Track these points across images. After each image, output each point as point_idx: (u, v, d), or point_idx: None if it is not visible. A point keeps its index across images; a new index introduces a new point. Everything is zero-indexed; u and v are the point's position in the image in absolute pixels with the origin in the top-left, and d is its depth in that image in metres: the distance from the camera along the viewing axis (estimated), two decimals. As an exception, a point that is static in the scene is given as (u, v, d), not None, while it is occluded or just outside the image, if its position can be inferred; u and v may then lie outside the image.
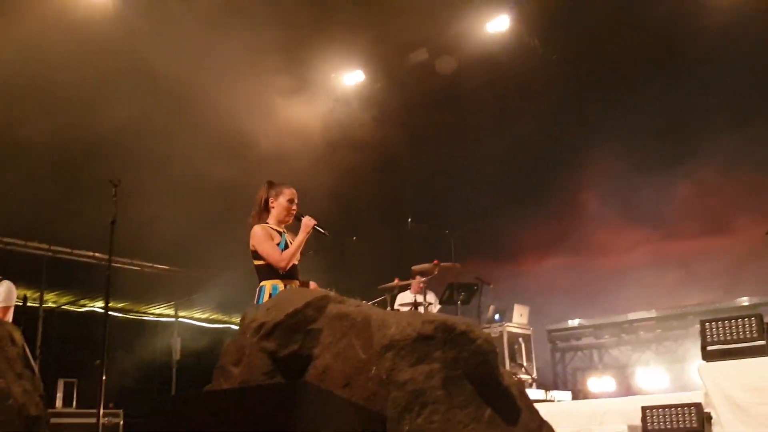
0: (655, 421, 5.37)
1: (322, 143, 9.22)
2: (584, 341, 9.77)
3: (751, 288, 8.49)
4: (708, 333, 6.02)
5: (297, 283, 4.79)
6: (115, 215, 5.56)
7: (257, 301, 4.70)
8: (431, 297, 8.40)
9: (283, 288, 4.67)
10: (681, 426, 5.32)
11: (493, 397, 2.81)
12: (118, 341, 9.72)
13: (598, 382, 8.53)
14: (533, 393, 7.36)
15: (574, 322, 9.83)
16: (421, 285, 7.90)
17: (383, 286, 7.82)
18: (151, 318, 11.52)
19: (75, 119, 7.58)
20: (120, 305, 10.98)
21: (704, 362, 5.69)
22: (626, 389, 8.29)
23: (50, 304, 10.23)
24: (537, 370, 8.49)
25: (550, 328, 9.98)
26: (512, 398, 2.89)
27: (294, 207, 4.92)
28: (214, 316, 11.87)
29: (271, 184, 4.96)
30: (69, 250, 9.35)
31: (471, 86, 10.58)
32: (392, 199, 11.57)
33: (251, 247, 4.70)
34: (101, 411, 5.29)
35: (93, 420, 5.55)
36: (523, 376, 7.81)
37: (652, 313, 9.15)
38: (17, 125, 7.33)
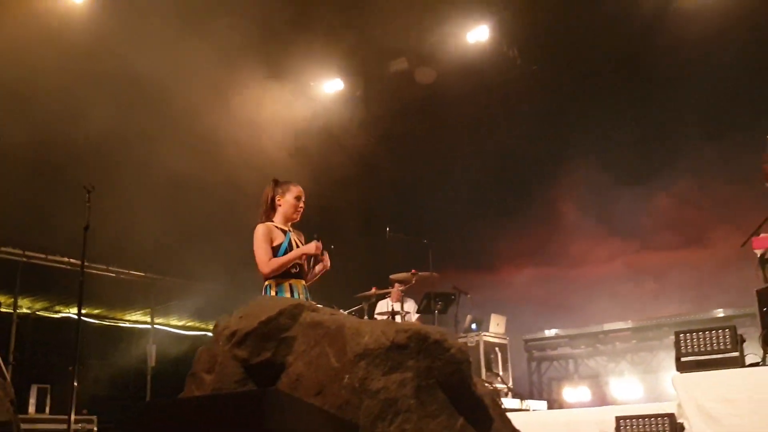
0: (629, 431, 5.41)
1: (300, 151, 9.21)
2: (560, 351, 9.81)
3: (726, 300, 8.57)
4: (682, 344, 6.07)
5: (303, 283, 4.78)
6: (88, 221, 5.51)
7: None
8: (410, 305, 8.41)
9: (288, 288, 4.66)
10: (654, 436, 5.36)
11: (466, 406, 2.81)
12: (93, 348, 9.63)
13: (573, 392, 8.55)
14: (509, 402, 7.37)
15: (550, 332, 9.87)
16: (400, 292, 7.92)
17: (361, 294, 7.82)
18: (127, 325, 11.42)
19: (51, 124, 7.52)
20: (95, 312, 10.87)
21: (678, 373, 5.74)
22: (601, 399, 8.32)
23: (24, 310, 10.11)
24: (513, 379, 8.51)
25: (527, 337, 10.02)
26: (485, 407, 2.90)
27: (301, 204, 4.90)
28: (190, 323, 11.79)
29: (276, 182, 4.93)
30: (44, 256, 9.24)
31: (451, 96, 10.64)
32: (370, 207, 11.59)
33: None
34: (72, 417, 5.24)
35: (65, 426, 5.49)
36: (499, 386, 7.83)
37: (628, 324, 9.20)
38: (-8, 130, 7.26)
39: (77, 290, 5.69)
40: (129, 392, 10.15)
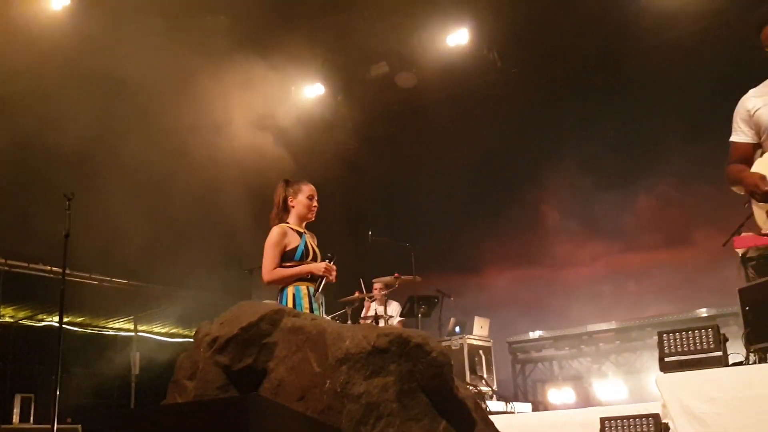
0: (613, 432, 5.42)
1: (281, 156, 9.19)
2: (544, 353, 9.82)
3: (709, 299, 8.62)
4: (665, 344, 6.09)
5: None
6: (68, 229, 5.48)
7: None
8: (394, 309, 8.42)
9: (306, 292, 4.61)
10: (639, 437, 5.38)
11: (448, 409, 2.81)
12: (76, 356, 9.56)
13: (557, 394, 8.58)
14: (494, 405, 7.38)
15: (534, 334, 9.88)
16: (383, 295, 7.94)
17: (344, 299, 7.82)
18: (110, 332, 11.34)
19: (32, 130, 7.46)
20: (78, 320, 10.79)
21: (662, 373, 5.76)
22: (586, 400, 8.36)
23: (7, 319, 10.01)
24: (498, 382, 8.51)
25: (511, 340, 10.03)
26: (467, 410, 2.90)
27: (314, 203, 4.84)
28: (174, 330, 11.73)
29: (287, 182, 4.88)
30: (26, 264, 9.17)
31: (432, 99, 10.67)
32: (353, 212, 11.58)
33: None
34: (55, 426, 5.20)
35: (48, 435, 5.46)
36: (484, 389, 7.83)
37: (612, 325, 9.24)
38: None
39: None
40: (113, 400, 10.09)
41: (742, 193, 4.02)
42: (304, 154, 9.52)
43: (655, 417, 5.45)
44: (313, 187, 4.91)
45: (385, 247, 8.60)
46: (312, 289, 4.64)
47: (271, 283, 4.61)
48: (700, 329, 5.90)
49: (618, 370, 8.86)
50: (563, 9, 9.22)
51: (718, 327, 6.02)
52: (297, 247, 4.64)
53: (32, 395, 7.84)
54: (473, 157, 10.88)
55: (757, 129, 3.70)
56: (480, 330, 8.54)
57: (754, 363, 5.90)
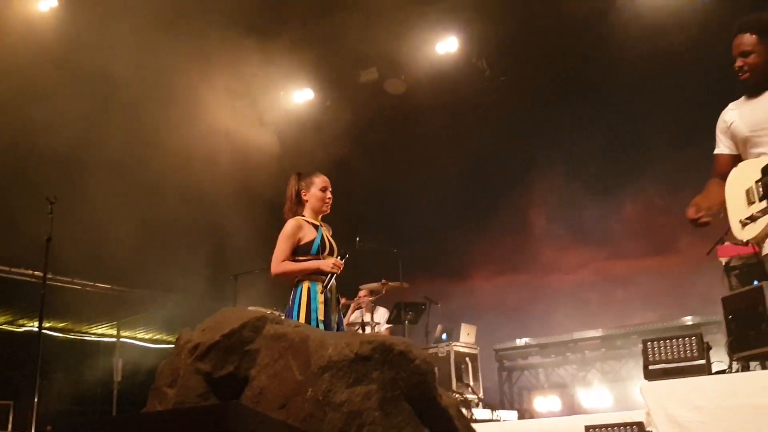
0: (598, 439, 5.43)
1: (270, 161, 9.15)
2: (531, 360, 9.79)
3: (694, 308, 8.64)
4: (650, 352, 6.12)
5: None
6: (50, 233, 5.42)
7: (294, 301, 4.52)
8: (381, 315, 8.38)
9: (320, 289, 4.54)
10: (623, 445, 5.39)
11: (431, 417, 2.78)
12: (57, 362, 9.47)
13: (543, 401, 8.56)
14: (480, 413, 7.36)
15: (521, 341, 9.85)
16: (369, 302, 7.90)
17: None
18: (93, 338, 11.24)
19: (18, 132, 7.40)
20: (60, 325, 10.70)
21: (646, 381, 5.77)
22: (571, 408, 8.34)
23: (-13, 324, 9.93)
24: (484, 389, 8.49)
25: (498, 347, 10.01)
26: (450, 418, 2.87)
27: (329, 195, 4.76)
28: (158, 336, 11.65)
29: (300, 176, 4.79)
30: (7, 269, 9.09)
31: (421, 106, 10.67)
32: (341, 217, 11.53)
33: None
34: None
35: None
36: (470, 396, 7.81)
37: (598, 332, 9.23)
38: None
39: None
40: (95, 407, 9.99)
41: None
42: (293, 159, 9.49)
43: (640, 425, 5.46)
44: (326, 179, 4.82)
45: (373, 252, 8.57)
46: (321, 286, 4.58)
47: (278, 275, 4.52)
48: (684, 338, 5.94)
49: (603, 377, 8.85)
50: (551, 17, 9.26)
51: (701, 335, 6.06)
52: (313, 241, 4.56)
53: (11, 402, 7.73)
54: (463, 164, 10.89)
55: (735, 141, 3.73)
56: (467, 337, 8.53)
57: (737, 371, 5.93)
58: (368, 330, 7.53)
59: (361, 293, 8.07)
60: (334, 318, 4.68)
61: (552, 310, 9.91)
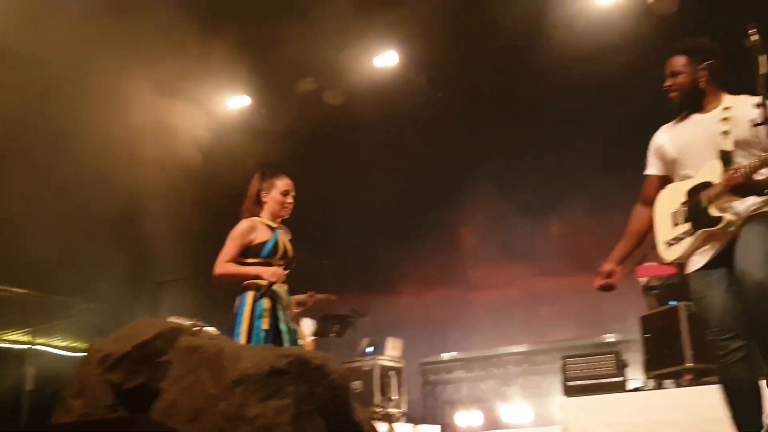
0: (517, 455, 5.50)
1: (201, 167, 9.00)
2: (455, 375, 9.84)
3: (614, 325, 8.86)
4: (569, 369, 6.27)
5: (285, 287, 4.49)
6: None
7: (238, 308, 4.33)
8: (308, 327, 8.32)
9: (270, 302, 4.35)
10: (540, 460, 5.48)
11: (346, 431, 2.78)
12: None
13: (466, 416, 8.64)
14: (402, 427, 7.38)
15: (446, 356, 9.92)
16: (296, 314, 7.81)
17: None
18: (3, 345, 10.78)
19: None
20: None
21: (565, 397, 5.90)
22: (493, 423, 8.44)
23: None
24: (409, 403, 8.51)
25: (423, 361, 10.04)
26: (364, 434, 2.87)
27: (289, 199, 4.58)
28: (76, 344, 11.26)
29: (263, 176, 4.62)
30: None
31: (359, 118, 10.67)
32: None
33: None
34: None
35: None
36: (393, 410, 7.82)
37: (521, 348, 9.37)
38: None
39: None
40: (1, 419, 9.55)
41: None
42: (226, 166, 9.34)
43: (557, 441, 5.58)
44: (289, 182, 4.67)
45: (303, 264, 8.49)
46: (277, 291, 4.41)
47: (218, 276, 4.32)
48: (601, 355, 6.11)
49: (525, 393, 8.96)
50: (490, 39, 9.38)
51: (619, 353, 6.25)
52: (265, 243, 4.41)
53: None
54: (398, 178, 10.93)
55: (664, 162, 3.88)
56: (393, 351, 8.55)
57: (652, 389, 6.13)
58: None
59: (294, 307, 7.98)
60: (285, 328, 4.43)
61: (478, 325, 10.02)
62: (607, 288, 4.09)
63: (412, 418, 8.15)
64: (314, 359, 2.78)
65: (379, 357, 8.23)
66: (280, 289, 4.47)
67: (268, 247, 4.42)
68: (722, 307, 3.54)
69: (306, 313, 8.17)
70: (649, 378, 6.29)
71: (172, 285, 8.09)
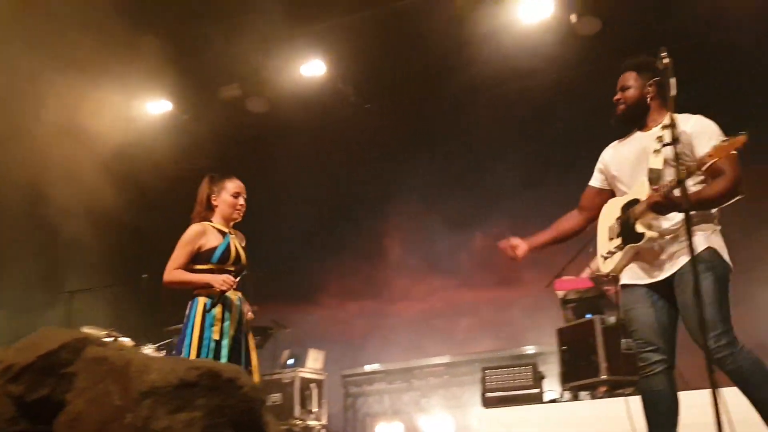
0: (435, 466, 5.52)
1: (117, 172, 8.74)
2: (376, 386, 9.76)
3: (534, 337, 9.01)
4: (488, 380, 6.34)
5: (239, 294, 4.35)
6: None
7: (188, 317, 4.18)
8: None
9: (220, 310, 4.22)
10: (458, 471, 5.51)
11: (258, 445, 2.72)
12: None
13: (386, 428, 8.62)
14: (321, 440, 7.32)
15: (368, 368, 9.87)
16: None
17: (171, 327, 7.45)
18: None
19: None
20: None
21: (483, 408, 5.96)
22: (413, 435, 8.45)
23: None
24: (330, 416, 8.44)
25: (345, 373, 9.97)
26: (277, 447, 2.82)
27: (241, 202, 4.45)
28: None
29: (212, 179, 4.50)
30: None
31: (284, 126, 10.61)
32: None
33: None
34: None
35: None
36: (312, 423, 7.75)
37: (443, 359, 9.42)
38: None
39: None
40: None
41: None
42: (147, 172, 9.11)
43: (475, 452, 5.62)
44: (240, 184, 4.57)
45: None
46: (229, 299, 4.28)
47: (167, 284, 4.21)
48: (519, 366, 6.21)
49: (446, 404, 9.00)
50: (418, 52, 9.47)
51: (536, 365, 6.35)
52: (216, 248, 4.28)
53: None
54: (322, 188, 10.89)
55: (607, 177, 4.04)
56: (314, 363, 8.47)
57: (568, 401, 6.26)
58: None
59: None
60: (240, 338, 4.34)
61: (400, 337, 10.03)
62: (511, 257, 4.30)
63: (331, 431, 8.09)
64: (225, 372, 2.72)
65: (300, 369, 8.14)
66: (233, 296, 4.34)
67: (219, 252, 4.31)
68: (646, 321, 3.67)
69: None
70: (565, 390, 6.42)
71: (88, 294, 7.82)
